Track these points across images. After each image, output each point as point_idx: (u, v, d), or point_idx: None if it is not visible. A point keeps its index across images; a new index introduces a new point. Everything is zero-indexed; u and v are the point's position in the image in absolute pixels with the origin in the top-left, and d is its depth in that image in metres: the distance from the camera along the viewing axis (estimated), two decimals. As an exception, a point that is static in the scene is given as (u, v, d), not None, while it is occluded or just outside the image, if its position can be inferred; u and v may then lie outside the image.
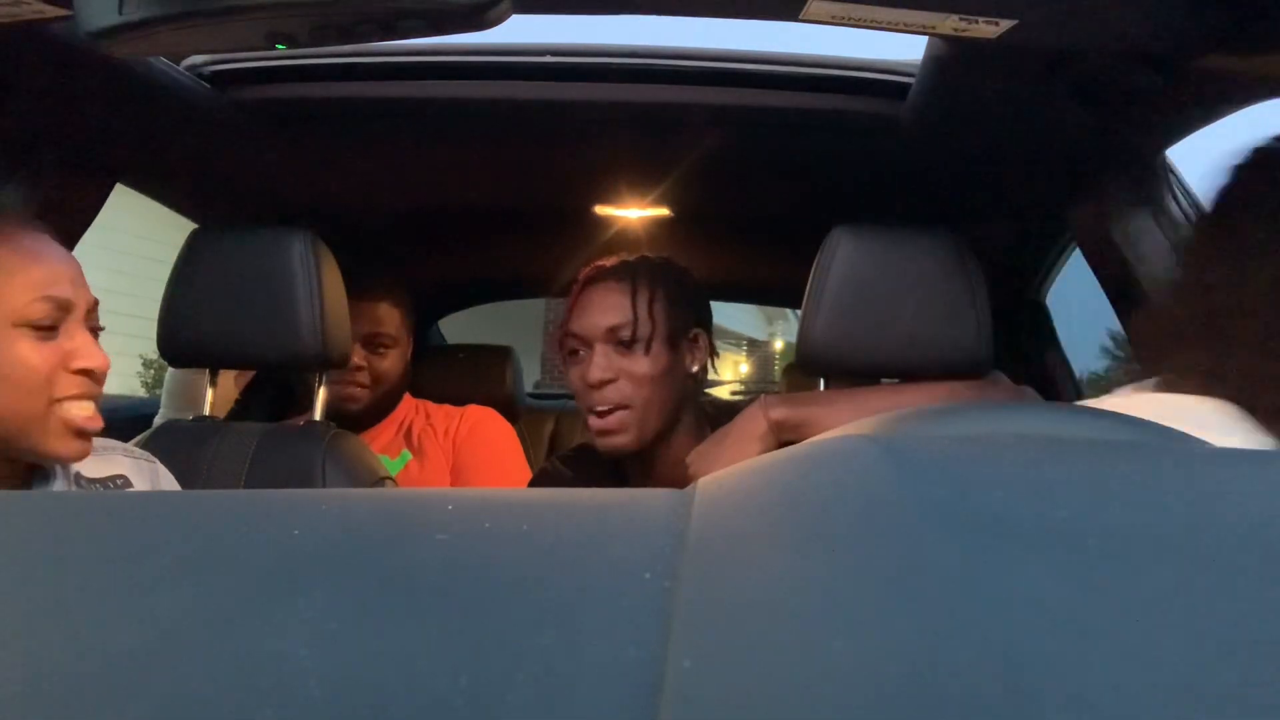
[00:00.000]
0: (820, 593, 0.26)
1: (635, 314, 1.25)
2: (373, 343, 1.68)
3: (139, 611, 0.27)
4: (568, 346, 1.29)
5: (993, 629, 0.24)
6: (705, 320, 1.35)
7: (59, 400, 0.92)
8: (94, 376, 0.94)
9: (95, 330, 0.98)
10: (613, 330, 1.25)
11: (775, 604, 0.26)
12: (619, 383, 1.24)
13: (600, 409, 1.24)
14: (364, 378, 1.67)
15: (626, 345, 1.25)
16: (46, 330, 0.92)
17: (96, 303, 0.98)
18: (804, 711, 0.21)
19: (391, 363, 1.71)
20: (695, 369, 1.32)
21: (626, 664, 0.23)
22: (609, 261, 1.32)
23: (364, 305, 1.67)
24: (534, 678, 0.23)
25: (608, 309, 1.26)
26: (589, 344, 1.26)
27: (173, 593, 0.28)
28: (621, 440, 1.25)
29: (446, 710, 0.22)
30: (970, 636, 0.23)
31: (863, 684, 0.22)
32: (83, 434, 0.94)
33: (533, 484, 1.49)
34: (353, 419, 1.69)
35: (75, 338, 0.94)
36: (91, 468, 1.02)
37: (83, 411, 0.93)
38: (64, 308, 0.93)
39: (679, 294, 1.30)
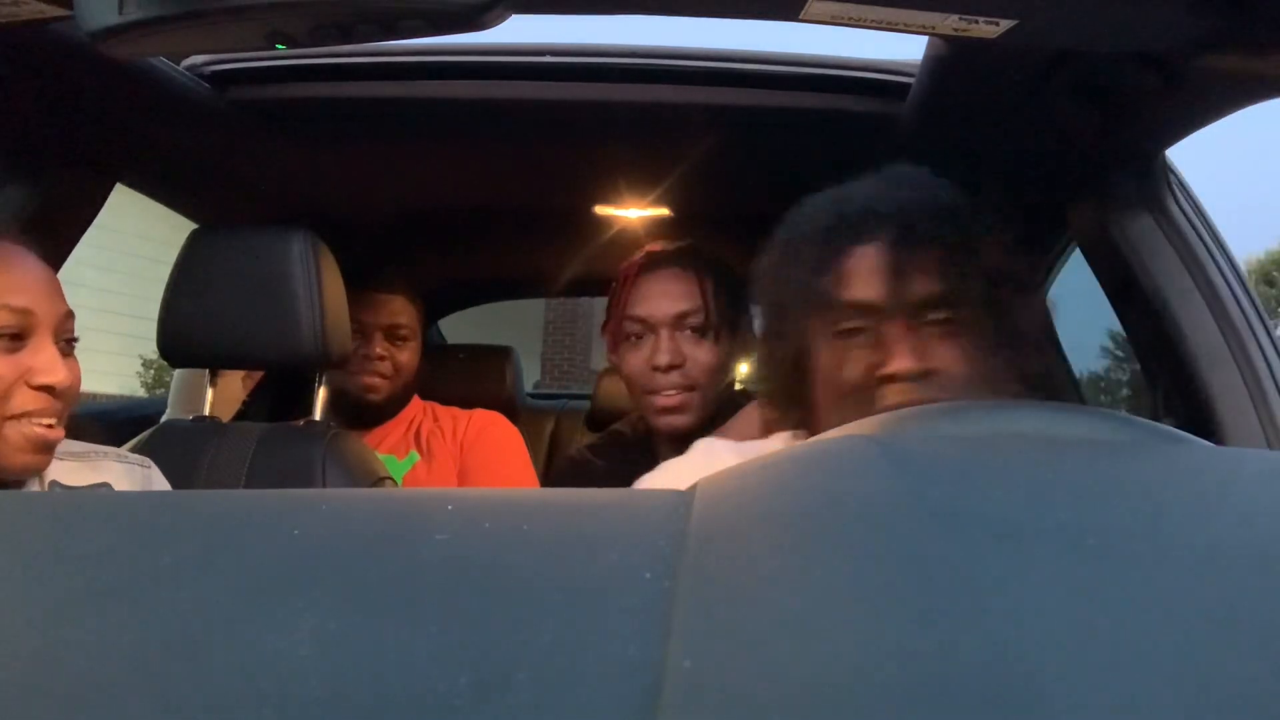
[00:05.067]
0: (820, 593, 0.26)
1: (705, 302, 1.27)
2: (394, 334, 1.71)
3: (139, 611, 0.27)
4: (628, 330, 1.29)
5: (993, 628, 0.24)
6: (749, 311, 1.37)
7: (13, 417, 0.89)
8: (55, 393, 0.91)
9: (70, 342, 0.95)
10: (681, 316, 1.26)
11: (775, 604, 0.26)
12: (685, 368, 1.26)
13: (668, 392, 1.25)
14: (386, 368, 1.69)
15: (696, 332, 1.27)
16: (8, 340, 0.89)
17: (70, 315, 0.95)
18: (804, 711, 0.21)
19: (409, 356, 1.73)
20: (742, 359, 1.34)
21: (626, 664, 0.23)
22: (662, 247, 1.33)
23: (384, 297, 1.70)
24: (534, 678, 0.23)
25: (677, 295, 1.27)
26: (654, 329, 1.27)
27: (173, 593, 0.28)
28: (684, 420, 1.26)
29: (447, 710, 0.22)
30: (970, 636, 0.23)
31: (863, 684, 0.22)
32: (41, 448, 0.91)
33: (560, 475, 1.49)
34: (365, 415, 1.70)
35: (41, 352, 0.91)
36: (74, 476, 1.01)
37: (39, 429, 0.90)
38: (24, 316, 0.90)
39: (732, 286, 1.32)
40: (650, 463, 1.35)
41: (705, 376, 1.26)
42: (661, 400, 1.26)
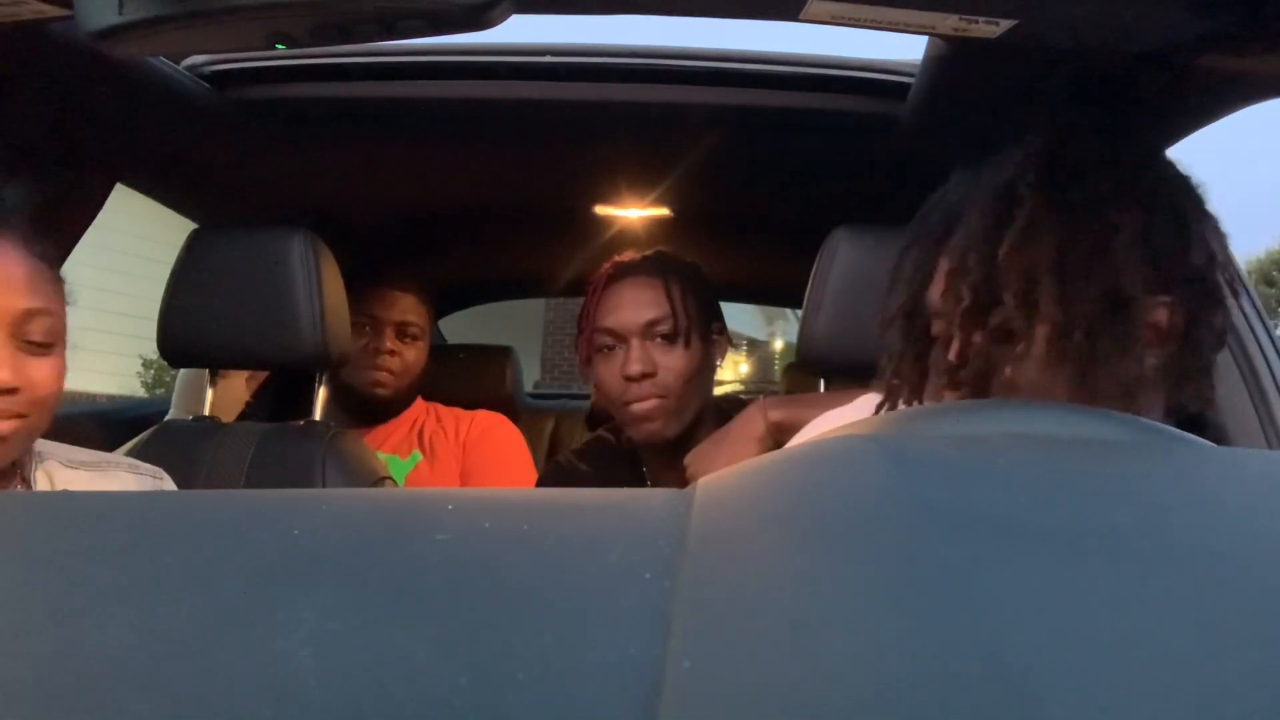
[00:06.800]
0: (820, 593, 0.26)
1: (673, 308, 1.27)
2: (404, 331, 1.72)
3: (139, 611, 0.27)
4: (599, 343, 1.30)
5: (992, 628, 0.24)
6: (720, 315, 1.37)
7: None
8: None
9: (37, 344, 0.90)
10: (651, 325, 1.26)
11: (775, 604, 0.26)
12: (657, 376, 1.25)
13: (641, 401, 1.25)
14: (396, 364, 1.69)
15: (666, 339, 1.26)
16: None
17: (34, 313, 0.90)
18: (804, 711, 0.21)
19: (417, 355, 1.74)
20: (719, 363, 1.34)
21: (626, 664, 0.23)
22: (629, 257, 1.34)
23: (397, 294, 1.71)
24: (534, 678, 0.23)
25: (644, 304, 1.27)
26: (624, 339, 1.27)
27: (173, 593, 0.28)
28: (659, 427, 1.26)
29: (446, 710, 0.22)
30: (969, 636, 0.23)
31: (863, 684, 0.22)
32: None
33: (545, 479, 1.49)
34: (369, 412, 1.70)
35: None
36: (87, 486, 1.00)
37: None
38: None
39: (701, 289, 1.32)
40: (635, 473, 1.35)
41: (678, 383, 1.26)
42: (636, 409, 1.26)
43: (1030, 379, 0.66)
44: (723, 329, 1.36)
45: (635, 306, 1.27)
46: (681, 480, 1.20)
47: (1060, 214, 0.66)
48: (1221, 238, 0.71)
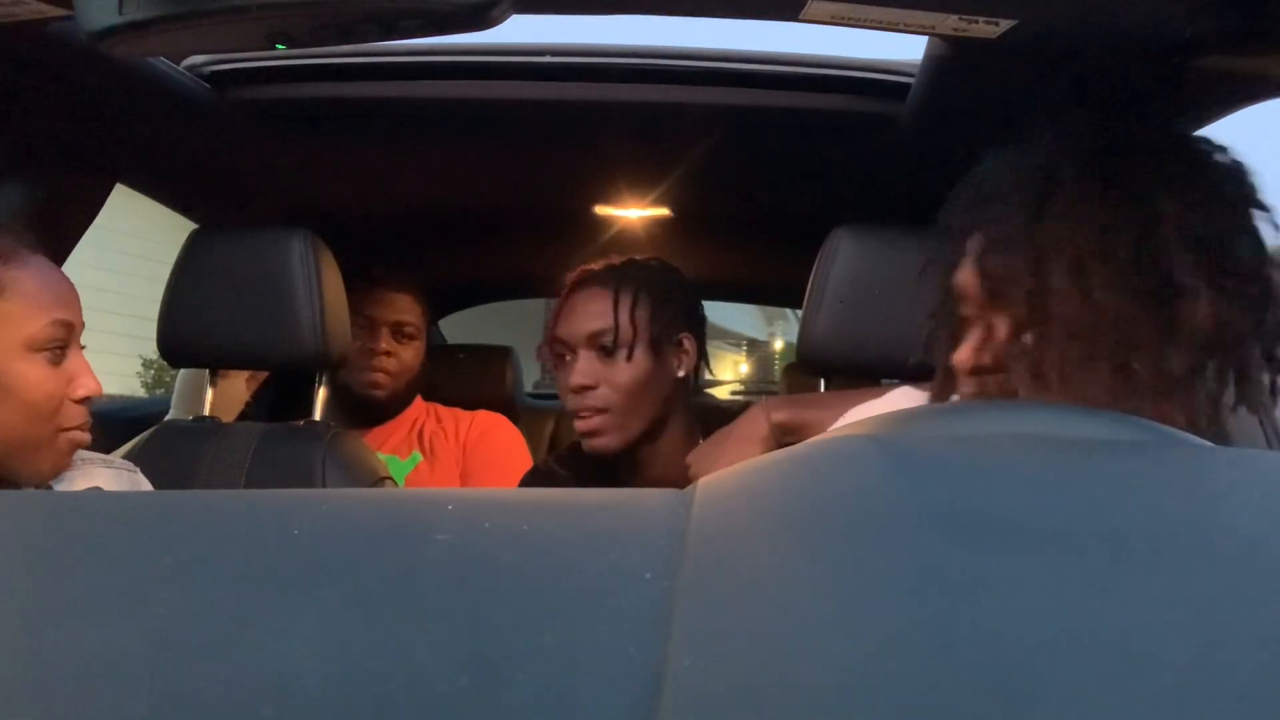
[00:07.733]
0: (820, 593, 0.26)
1: (616, 320, 1.25)
2: (399, 331, 1.71)
3: (139, 611, 0.27)
4: (555, 351, 1.30)
5: (992, 628, 0.24)
6: (696, 322, 1.35)
7: (63, 428, 0.93)
8: (89, 403, 0.95)
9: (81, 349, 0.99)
10: (594, 336, 1.25)
11: (775, 603, 0.26)
12: (599, 389, 1.24)
13: (582, 414, 1.25)
14: (392, 364, 1.69)
15: (608, 352, 1.25)
16: (56, 353, 0.92)
17: (84, 325, 0.99)
18: (804, 710, 0.21)
19: (413, 355, 1.73)
20: (682, 373, 1.31)
21: (626, 664, 0.23)
22: (596, 265, 1.32)
23: (391, 294, 1.71)
24: (534, 678, 0.23)
25: (589, 315, 1.26)
26: (573, 349, 1.27)
27: (173, 593, 0.28)
28: (603, 441, 1.26)
29: (446, 710, 0.22)
30: (970, 635, 0.23)
31: (862, 683, 0.22)
32: (75, 450, 0.96)
33: (525, 483, 1.49)
34: (367, 413, 1.70)
35: (76, 362, 0.94)
36: (64, 483, 1.02)
37: (82, 436, 0.95)
38: (68, 329, 0.94)
39: (666, 298, 1.30)
40: (613, 477, 1.35)
41: (619, 397, 1.24)
42: (578, 423, 1.26)
43: (1061, 370, 0.63)
44: (694, 338, 1.33)
45: (582, 317, 1.26)
46: (652, 486, 1.19)
47: (1102, 198, 0.63)
48: (1275, 231, 0.67)
